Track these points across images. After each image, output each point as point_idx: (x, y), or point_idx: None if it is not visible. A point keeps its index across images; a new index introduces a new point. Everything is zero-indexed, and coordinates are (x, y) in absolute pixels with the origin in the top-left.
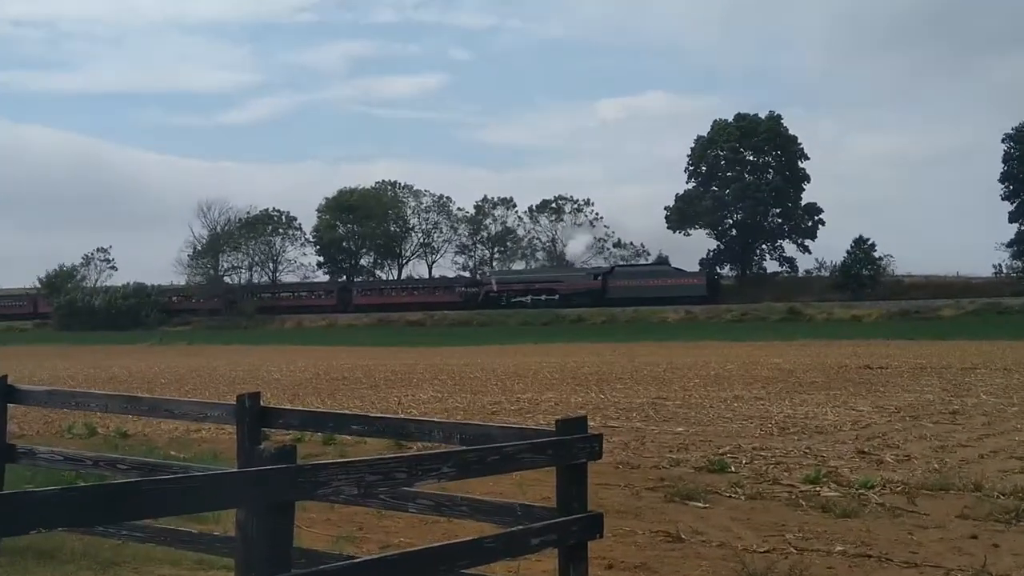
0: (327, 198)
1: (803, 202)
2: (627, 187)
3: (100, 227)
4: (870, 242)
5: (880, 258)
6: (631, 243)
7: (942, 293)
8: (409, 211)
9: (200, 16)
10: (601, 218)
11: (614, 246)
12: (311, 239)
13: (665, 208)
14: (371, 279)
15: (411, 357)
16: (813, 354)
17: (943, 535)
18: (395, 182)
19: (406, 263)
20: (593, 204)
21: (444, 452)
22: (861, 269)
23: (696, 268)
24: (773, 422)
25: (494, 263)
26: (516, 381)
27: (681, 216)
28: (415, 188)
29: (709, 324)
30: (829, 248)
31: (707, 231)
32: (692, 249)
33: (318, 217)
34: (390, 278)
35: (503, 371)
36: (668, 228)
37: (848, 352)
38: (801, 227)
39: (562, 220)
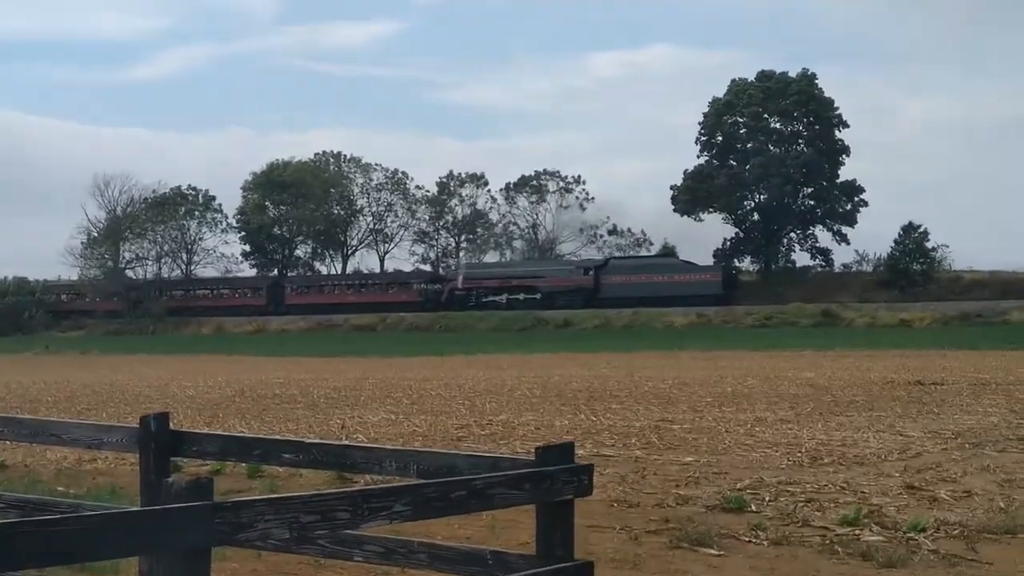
0: (255, 173)
1: (841, 180)
2: (625, 161)
3: None
4: (922, 229)
5: (934, 249)
6: (630, 230)
7: (1010, 292)
8: (357, 190)
9: None
10: (593, 199)
11: (609, 234)
12: (235, 224)
13: (672, 188)
14: (309, 274)
15: (358, 370)
16: (852, 367)
17: None
18: (339, 154)
19: (352, 254)
20: (584, 182)
21: (398, 487)
22: (911, 263)
23: (709, 261)
24: (803, 450)
25: (461, 254)
26: (488, 399)
27: (692, 198)
28: (364, 161)
29: (725, 330)
30: (872, 237)
31: (723, 216)
32: (705, 238)
33: (244, 197)
34: (333, 272)
35: (472, 387)
36: (675, 212)
37: (895, 364)
38: (838, 211)
39: (545, 201)
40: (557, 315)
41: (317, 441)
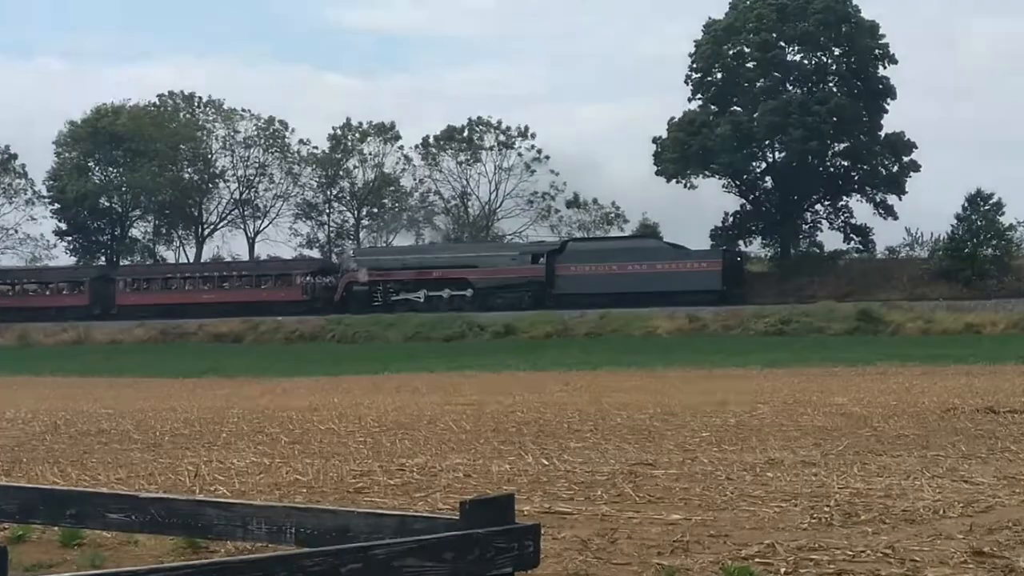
0: (73, 123)
1: (884, 133)
2: (590, 106)
3: None
4: (995, 200)
5: (1011, 228)
6: (596, 202)
7: None
8: (217, 145)
9: None
10: (547, 158)
11: (568, 206)
12: (45, 194)
13: (654, 143)
14: (150, 263)
15: (219, 395)
16: (900, 389)
17: None
18: (192, 96)
19: (210, 235)
20: (533, 135)
21: (268, 558)
22: (980, 246)
23: (706, 245)
24: (832, 503)
25: (363, 236)
26: (399, 436)
27: (681, 156)
28: (226, 106)
29: (727, 339)
30: (927, 211)
31: (724, 182)
32: (699, 212)
33: (57, 155)
34: (183, 261)
35: (377, 419)
36: (659, 176)
37: (958, 385)
38: (881, 175)
39: (479, 162)
40: (496, 319)
41: (159, 496)
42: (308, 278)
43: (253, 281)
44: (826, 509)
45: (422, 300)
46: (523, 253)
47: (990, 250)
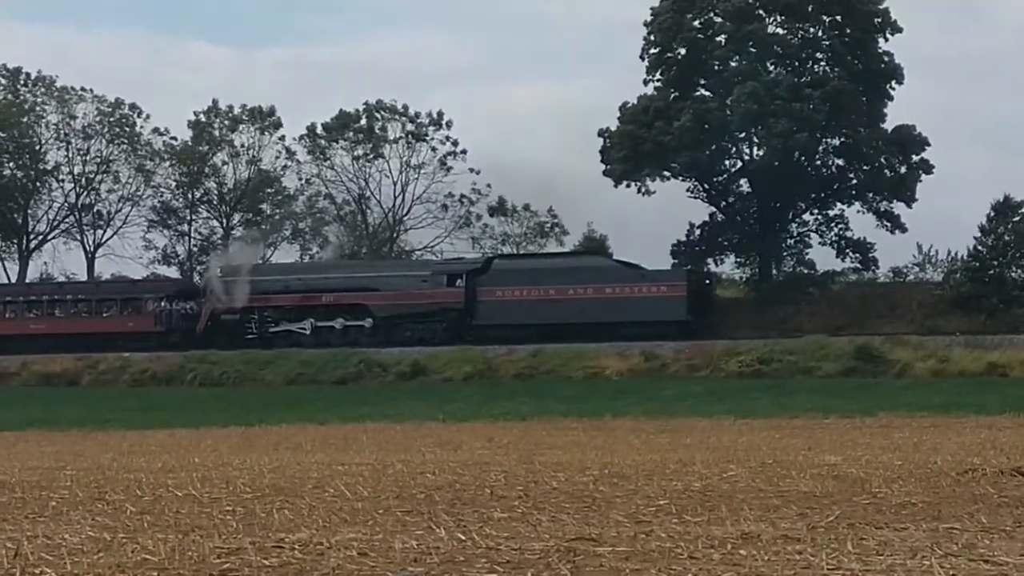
0: None
1: (889, 125)
2: (521, 87)
3: None
4: None
5: None
6: (528, 208)
7: None
8: (49, 134)
9: None
10: (464, 153)
11: (491, 214)
12: None
13: (601, 135)
14: None
15: (48, 452)
16: (906, 445)
17: None
18: (18, 71)
19: (37, 248)
20: (449, 124)
21: None
22: (1007, 268)
23: (666, 264)
24: None
25: (232, 249)
26: (277, 504)
27: (634, 153)
28: (61, 84)
29: (691, 381)
30: (942, 222)
31: (689, 185)
32: (657, 223)
33: None
34: (2, 281)
35: (250, 482)
36: (607, 177)
37: (978, 441)
38: (885, 177)
39: (382, 157)
40: (401, 356)
41: None
42: (163, 304)
43: (93, 307)
44: None
45: (308, 332)
46: (436, 273)
47: (1020, 272)
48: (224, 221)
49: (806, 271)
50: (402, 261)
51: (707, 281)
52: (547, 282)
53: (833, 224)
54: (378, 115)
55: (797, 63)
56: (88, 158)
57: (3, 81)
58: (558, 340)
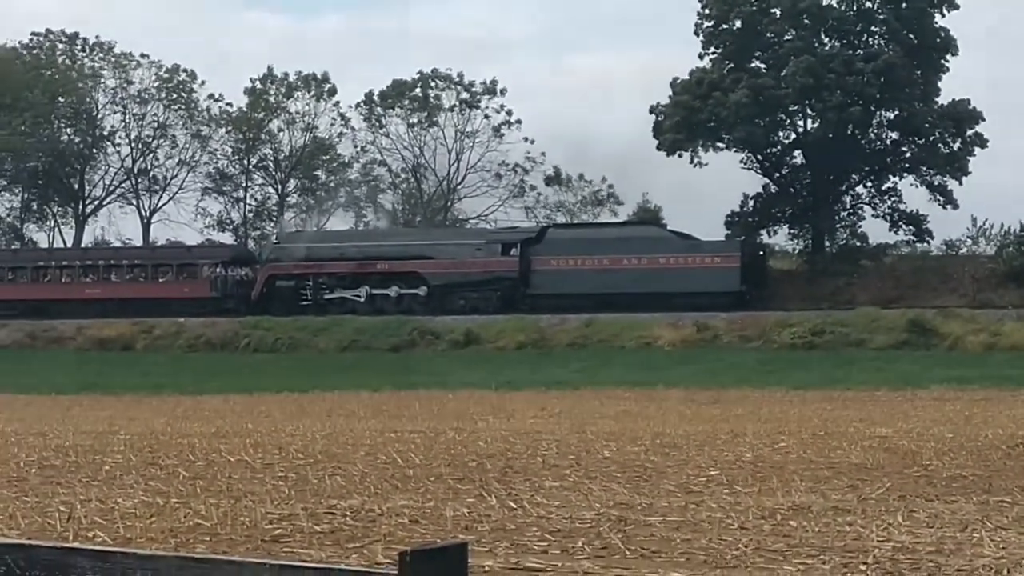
0: None
1: (943, 100)
2: (576, 58)
3: None
4: None
5: None
6: (583, 178)
7: None
8: (104, 99)
9: None
10: (519, 123)
11: (547, 183)
12: None
13: (654, 108)
14: (15, 247)
15: (102, 416)
16: (958, 418)
17: None
18: (74, 35)
19: (93, 213)
20: (503, 92)
21: None
22: None
23: (719, 234)
24: (871, 560)
25: (288, 218)
26: (330, 470)
27: (688, 124)
28: (116, 49)
29: (743, 352)
30: (996, 197)
31: (742, 157)
32: (710, 194)
33: None
34: (57, 245)
35: (302, 448)
36: (660, 149)
37: None
38: (939, 152)
39: (436, 125)
40: (455, 324)
41: (17, 542)
42: (219, 269)
43: (149, 272)
44: (863, 567)
45: (363, 300)
46: (491, 242)
47: None
48: (279, 188)
49: (859, 243)
50: (457, 229)
51: (761, 252)
52: (601, 252)
53: (886, 197)
54: (432, 84)
55: (851, 36)
56: (144, 123)
57: (61, 46)
58: (611, 310)
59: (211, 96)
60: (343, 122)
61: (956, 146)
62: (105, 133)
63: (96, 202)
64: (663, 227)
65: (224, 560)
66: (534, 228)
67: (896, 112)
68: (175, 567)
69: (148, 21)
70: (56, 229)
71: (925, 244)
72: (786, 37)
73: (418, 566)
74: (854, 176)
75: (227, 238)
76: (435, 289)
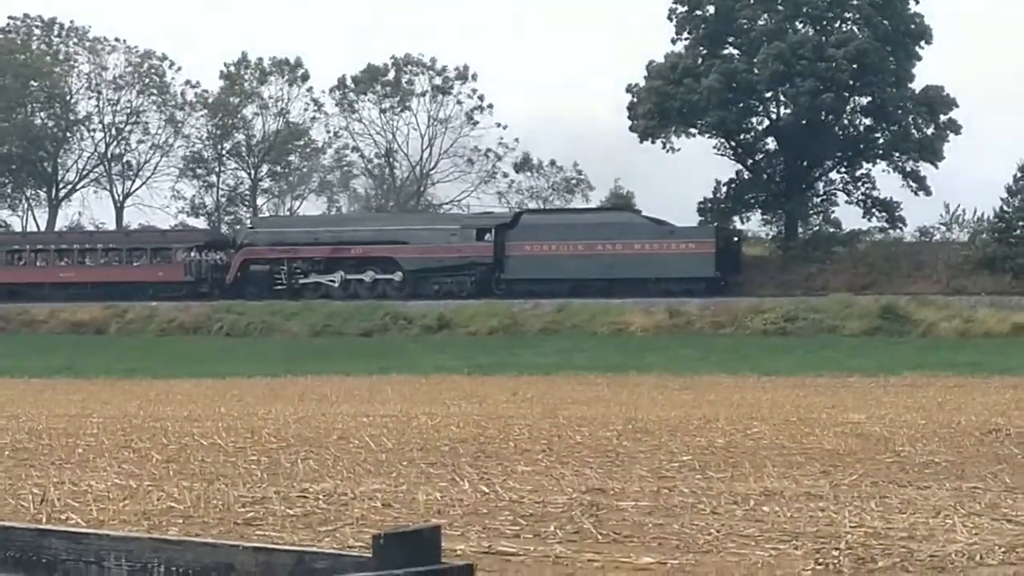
0: None
1: (917, 85)
2: (548, 45)
3: None
4: None
5: None
6: (554, 164)
7: None
8: (78, 83)
9: None
10: (491, 107)
11: (517, 170)
12: None
13: (629, 91)
14: None
15: (75, 400)
16: (930, 404)
17: None
18: (52, 21)
19: (66, 197)
20: (474, 77)
21: None
22: None
23: (690, 220)
24: (843, 545)
25: (261, 203)
26: (302, 453)
27: (661, 110)
28: (92, 35)
29: (717, 339)
30: (968, 183)
31: (715, 143)
32: (683, 180)
33: None
34: (30, 230)
35: (275, 431)
36: (633, 133)
37: (1003, 401)
38: (912, 138)
39: (408, 110)
40: (427, 309)
41: None
42: (193, 254)
43: (123, 256)
44: (835, 553)
45: (336, 285)
46: (466, 227)
47: None
48: (252, 172)
49: (832, 229)
50: (431, 215)
51: (735, 238)
52: (576, 237)
53: (859, 183)
54: (405, 69)
55: (824, 22)
56: (118, 108)
57: (36, 31)
58: (586, 295)
59: (186, 82)
60: (316, 107)
61: (930, 132)
62: (78, 118)
63: (69, 186)
64: (637, 213)
65: (198, 542)
66: (508, 213)
67: (869, 98)
68: (149, 549)
69: (122, 5)
70: (29, 213)
71: (898, 231)
72: (759, 22)
73: (392, 548)
74: (827, 162)
75: (200, 223)
76: (411, 275)
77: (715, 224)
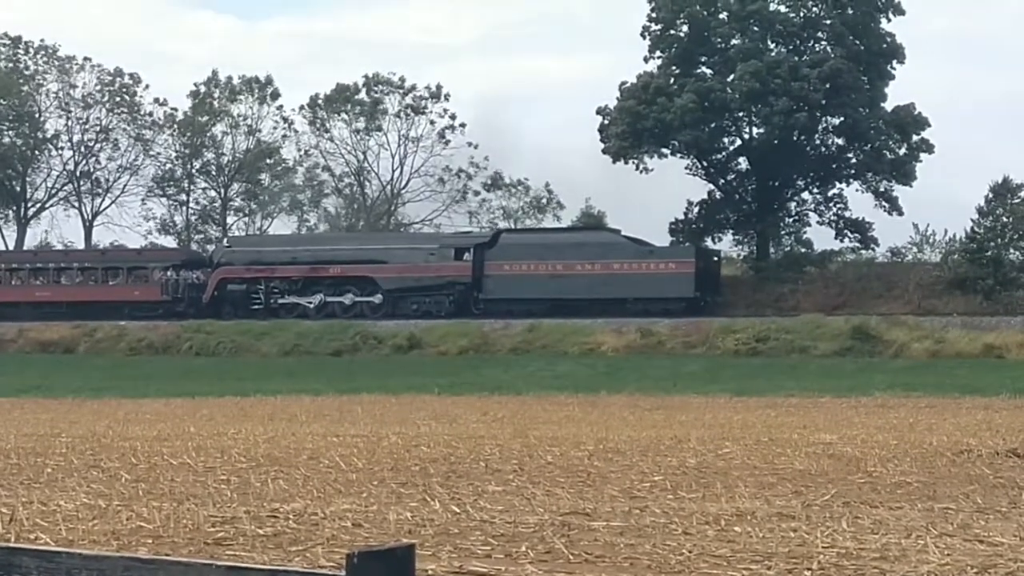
0: None
1: (889, 104)
2: (520, 61)
3: None
4: None
5: None
6: (525, 182)
7: None
8: (47, 102)
9: None
10: (463, 126)
11: (487, 188)
12: None
13: (600, 112)
14: None
15: (43, 419)
16: (901, 425)
17: None
18: (19, 39)
19: (35, 216)
20: (447, 96)
21: None
22: (1004, 249)
23: (662, 240)
24: (815, 566)
25: (230, 221)
26: (272, 474)
27: (633, 131)
28: (62, 53)
29: (688, 359)
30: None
31: (687, 163)
32: (653, 200)
33: None
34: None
35: (245, 452)
36: (604, 153)
37: (974, 422)
38: (884, 158)
39: (380, 130)
40: (397, 329)
41: None
42: (170, 273)
43: (99, 276)
44: (807, 573)
45: (312, 306)
46: (444, 247)
47: (1018, 254)
48: (223, 191)
49: (804, 250)
50: (410, 234)
51: (715, 259)
52: (555, 257)
53: (832, 203)
54: (376, 88)
55: (797, 42)
56: (87, 127)
57: (4, 49)
58: (565, 315)
59: (156, 100)
60: (287, 125)
61: (902, 152)
62: (48, 136)
63: (38, 205)
64: (617, 232)
65: (170, 561)
66: (487, 233)
67: (842, 118)
68: (121, 568)
69: (93, 23)
70: (19, 231)
71: (870, 251)
72: (733, 42)
73: (366, 567)
74: (799, 182)
75: (170, 242)
76: (387, 294)
77: (696, 245)
